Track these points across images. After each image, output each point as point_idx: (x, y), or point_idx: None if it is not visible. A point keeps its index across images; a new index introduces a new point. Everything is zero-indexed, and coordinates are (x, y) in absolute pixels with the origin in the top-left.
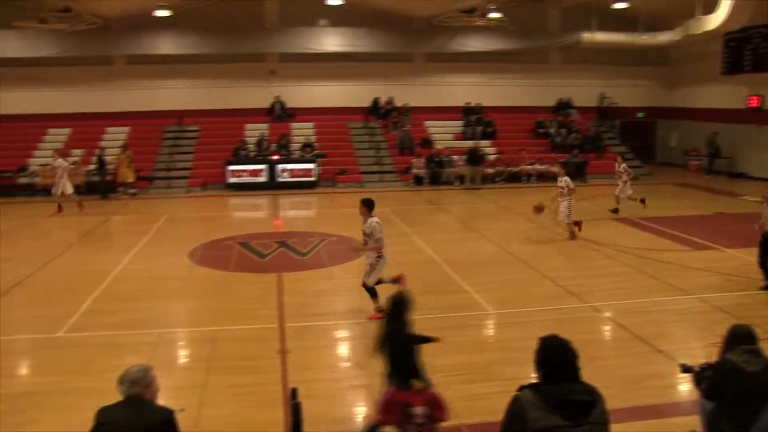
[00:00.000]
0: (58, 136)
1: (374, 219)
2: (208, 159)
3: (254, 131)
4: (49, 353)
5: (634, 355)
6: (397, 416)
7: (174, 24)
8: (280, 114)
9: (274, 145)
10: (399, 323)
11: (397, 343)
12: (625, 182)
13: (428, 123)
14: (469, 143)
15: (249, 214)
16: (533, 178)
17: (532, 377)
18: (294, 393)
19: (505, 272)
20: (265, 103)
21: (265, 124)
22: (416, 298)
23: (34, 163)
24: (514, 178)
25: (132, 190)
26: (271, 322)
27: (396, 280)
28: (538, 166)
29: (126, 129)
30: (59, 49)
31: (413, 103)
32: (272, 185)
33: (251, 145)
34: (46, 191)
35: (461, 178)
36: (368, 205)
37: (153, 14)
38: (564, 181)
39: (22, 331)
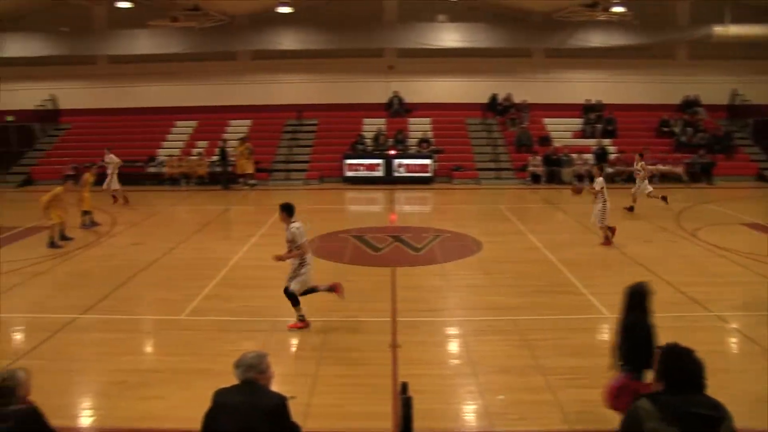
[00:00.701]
0: (184, 128)
1: (294, 225)
2: (325, 152)
3: (372, 126)
4: (172, 334)
5: (765, 371)
6: (626, 403)
7: (295, 20)
8: (397, 109)
9: (391, 139)
10: (641, 313)
11: (640, 333)
12: (643, 180)
13: (547, 120)
14: (592, 141)
15: (364, 208)
16: (655, 179)
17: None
18: (404, 387)
19: (622, 275)
20: (383, 98)
21: (383, 119)
22: (530, 299)
23: (163, 153)
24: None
25: (251, 182)
26: (383, 315)
27: (332, 289)
28: (660, 167)
29: (248, 122)
30: (187, 46)
31: (531, 100)
32: (388, 180)
33: (368, 140)
34: (172, 181)
35: (579, 177)
36: (287, 211)
37: (275, 11)
38: (598, 182)
39: (148, 311)
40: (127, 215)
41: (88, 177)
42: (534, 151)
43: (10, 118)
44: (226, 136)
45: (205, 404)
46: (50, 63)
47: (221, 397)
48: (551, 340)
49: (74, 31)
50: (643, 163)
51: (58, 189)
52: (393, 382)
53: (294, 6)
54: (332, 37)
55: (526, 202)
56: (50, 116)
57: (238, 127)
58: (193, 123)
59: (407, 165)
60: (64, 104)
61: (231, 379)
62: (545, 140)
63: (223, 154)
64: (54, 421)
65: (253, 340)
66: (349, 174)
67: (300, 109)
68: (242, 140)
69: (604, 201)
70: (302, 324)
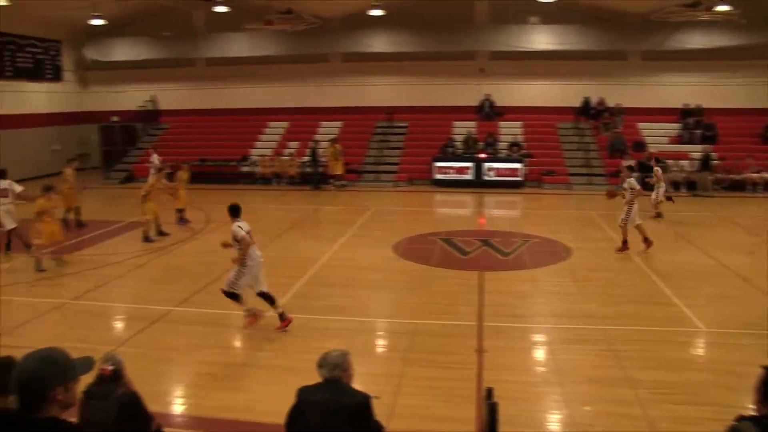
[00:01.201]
0: (277, 129)
1: (236, 224)
2: (415, 155)
3: (462, 129)
4: (260, 330)
5: None
6: None
7: (387, 22)
8: (488, 112)
9: (481, 143)
10: None
11: None
12: (658, 186)
13: (641, 125)
14: (690, 147)
15: (453, 211)
16: (759, 188)
17: (750, 408)
18: (490, 392)
19: (719, 287)
20: (473, 101)
21: (473, 122)
22: (620, 308)
23: (255, 153)
24: (737, 186)
25: (340, 182)
26: (469, 319)
27: (251, 314)
28: (765, 174)
29: (339, 123)
30: (281, 48)
31: (626, 104)
32: (478, 183)
33: (458, 143)
34: (264, 180)
35: (676, 185)
36: (231, 212)
37: (367, 13)
38: (628, 182)
39: (237, 307)
40: (220, 213)
41: (182, 174)
42: (628, 157)
43: (115, 118)
44: (317, 137)
45: (290, 400)
46: (152, 66)
47: (305, 394)
48: (641, 352)
49: (175, 35)
50: (657, 169)
51: (152, 179)
52: (478, 387)
53: (386, 8)
54: (423, 39)
55: (619, 209)
56: (151, 116)
57: (329, 128)
58: (285, 124)
59: (497, 169)
60: (164, 105)
61: (317, 377)
62: (639, 145)
63: (314, 155)
64: (149, 407)
65: (340, 338)
66: (439, 177)
67: (390, 111)
68: (332, 141)
69: (632, 203)
70: (254, 319)
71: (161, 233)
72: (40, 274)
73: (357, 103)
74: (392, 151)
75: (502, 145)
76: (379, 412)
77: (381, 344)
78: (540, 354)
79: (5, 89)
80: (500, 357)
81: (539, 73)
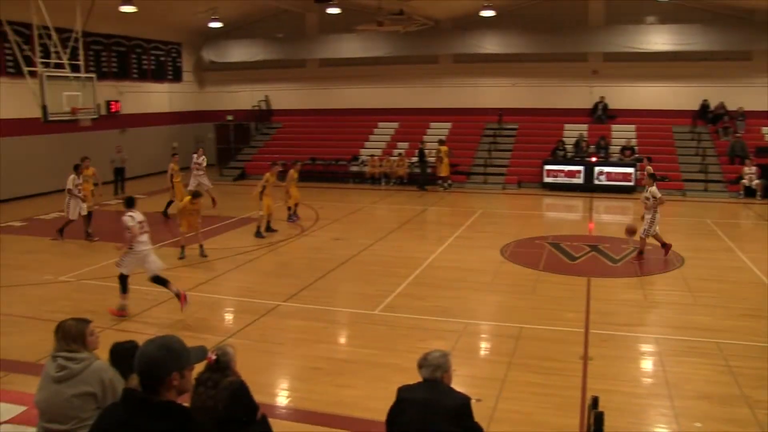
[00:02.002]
0: (386, 129)
1: (128, 214)
2: (524, 157)
3: (573, 131)
4: (366, 328)
5: None
6: None
7: (498, 23)
8: (600, 115)
9: (592, 146)
10: None
11: None
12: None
13: (766, 129)
14: None
15: (562, 215)
16: None
17: None
18: (596, 401)
19: None
20: (585, 103)
21: (585, 125)
22: (737, 322)
23: (365, 153)
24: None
25: (447, 183)
26: (576, 326)
27: (178, 295)
28: None
29: (448, 125)
30: (392, 49)
31: (748, 107)
32: (588, 187)
33: (569, 146)
34: (373, 180)
35: None
36: (126, 203)
37: (479, 15)
38: (650, 191)
39: (344, 304)
40: (329, 211)
41: (293, 173)
42: (750, 163)
43: (229, 117)
44: (425, 138)
45: (392, 398)
46: (266, 67)
47: (406, 393)
48: (760, 370)
49: (289, 37)
50: (650, 168)
51: (266, 175)
52: (582, 395)
53: (497, 9)
54: (535, 40)
55: (737, 217)
56: (264, 116)
57: (438, 129)
58: (395, 124)
59: (608, 173)
60: (276, 105)
61: (419, 376)
62: (763, 151)
63: (421, 156)
64: (256, 397)
65: (444, 339)
66: (548, 180)
67: (501, 113)
68: (440, 142)
69: (654, 211)
70: (120, 313)
71: (270, 229)
72: (173, 264)
73: (467, 104)
74: (501, 153)
75: (614, 148)
76: (480, 415)
77: (485, 347)
78: (648, 365)
79: (130, 90)
80: (606, 366)
81: (655, 75)
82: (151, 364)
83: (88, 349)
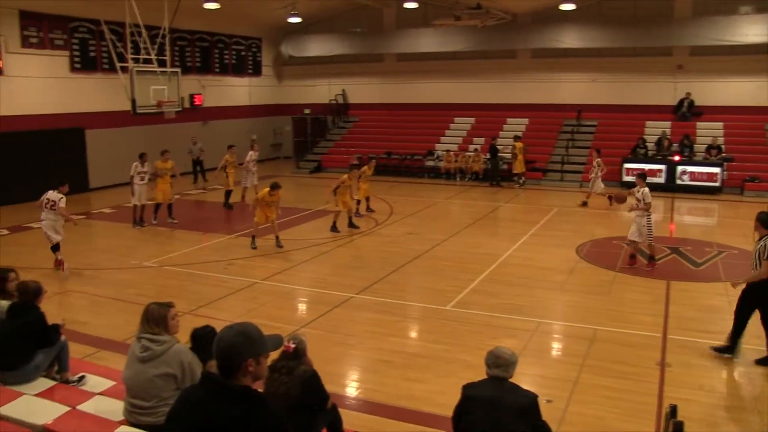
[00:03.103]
0: (462, 124)
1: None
2: (603, 155)
3: (655, 129)
4: (437, 323)
5: None
6: None
7: (578, 17)
8: (685, 112)
9: (675, 144)
10: None
11: None
12: (597, 177)
13: None
14: None
15: None
16: None
17: None
18: (674, 410)
19: None
20: (669, 100)
21: (668, 122)
22: None
23: (440, 148)
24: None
25: (522, 180)
26: (653, 330)
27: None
28: None
29: (525, 121)
30: (469, 44)
31: None
32: (669, 187)
33: (650, 144)
34: (448, 175)
35: None
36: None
37: (559, 8)
38: (641, 193)
39: (416, 298)
40: (403, 205)
41: (366, 170)
42: None
43: (307, 111)
44: (503, 134)
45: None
46: (343, 61)
47: (471, 391)
48: None
49: (366, 31)
50: (599, 160)
51: (344, 177)
52: (659, 403)
53: (577, 3)
54: (616, 34)
55: None
56: (341, 109)
57: (515, 125)
58: (471, 120)
59: (692, 173)
60: (353, 99)
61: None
62: None
63: (494, 151)
64: (327, 387)
65: (515, 338)
66: (628, 179)
67: (579, 109)
68: (516, 138)
69: (646, 215)
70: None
71: (352, 225)
72: (237, 253)
73: (544, 100)
74: (579, 150)
75: (699, 147)
76: (550, 416)
77: (557, 347)
78: (732, 375)
79: (213, 83)
80: (685, 374)
81: (747, 69)
82: (229, 350)
83: (169, 333)
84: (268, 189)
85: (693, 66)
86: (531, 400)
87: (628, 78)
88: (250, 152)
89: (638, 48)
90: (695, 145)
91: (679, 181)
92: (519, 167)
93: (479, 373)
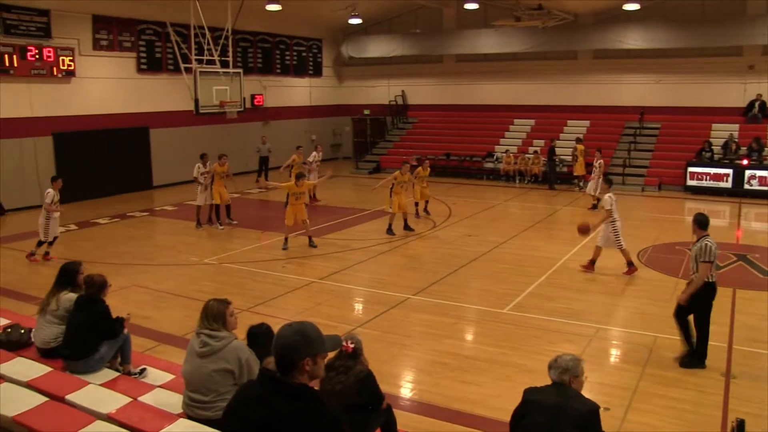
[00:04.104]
0: (522, 126)
1: None
2: (667, 158)
3: (722, 132)
4: (493, 326)
5: None
6: None
7: (642, 17)
8: (756, 114)
9: (743, 148)
10: None
11: None
12: (598, 178)
13: None
14: None
15: None
16: None
17: None
18: (741, 425)
19: None
20: (738, 102)
21: (735, 125)
22: None
23: (499, 150)
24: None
25: (582, 183)
26: (718, 340)
27: None
28: None
29: (585, 123)
30: (529, 45)
31: None
32: (737, 192)
33: (717, 147)
34: (507, 177)
35: None
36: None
37: (621, 8)
38: (606, 201)
39: (473, 301)
40: (461, 207)
41: (420, 171)
42: None
43: (366, 112)
44: (562, 135)
45: (518, 398)
46: (402, 62)
47: (532, 395)
48: None
49: (426, 32)
50: (602, 161)
51: (396, 173)
52: (723, 416)
53: (641, 2)
54: (682, 34)
55: None
56: (400, 110)
57: (576, 127)
58: (531, 121)
59: (761, 177)
60: (412, 100)
61: (547, 378)
62: None
63: (552, 154)
64: (382, 387)
65: (573, 343)
66: (692, 183)
67: (642, 111)
68: (578, 141)
69: (614, 220)
70: None
71: (407, 228)
72: (295, 252)
73: (606, 102)
74: (642, 153)
75: None
76: (608, 424)
77: (616, 354)
78: None
79: (274, 84)
80: (752, 387)
81: None
82: (287, 348)
83: (227, 329)
84: (293, 181)
85: (765, 66)
86: (592, 409)
87: (694, 79)
88: (314, 153)
89: (706, 48)
90: (766, 149)
91: (747, 186)
92: (579, 170)
93: (536, 378)
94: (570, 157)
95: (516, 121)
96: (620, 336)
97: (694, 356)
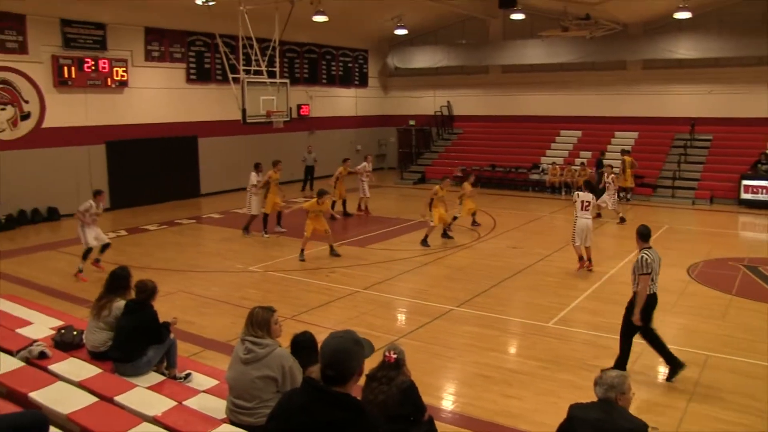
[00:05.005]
0: (568, 137)
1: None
2: (719, 171)
3: None
4: (538, 339)
5: None
6: None
7: (694, 26)
8: None
9: None
10: None
11: None
12: (612, 194)
13: None
14: None
15: (761, 236)
16: None
17: None
18: None
19: None
20: None
21: None
22: None
23: (545, 161)
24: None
25: (630, 196)
26: None
27: None
28: None
29: (634, 134)
30: (577, 55)
31: None
32: None
33: None
34: (553, 189)
35: None
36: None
37: (672, 17)
38: (576, 194)
39: (517, 314)
40: (506, 219)
41: (466, 185)
42: None
43: (411, 122)
44: (609, 147)
45: (561, 414)
46: (448, 73)
47: (578, 412)
48: None
49: (471, 43)
50: (613, 176)
51: (436, 188)
52: None
53: (694, 11)
54: (737, 43)
55: None
56: (445, 121)
57: (623, 138)
58: (578, 133)
59: None
60: (458, 110)
61: (591, 394)
62: None
63: (600, 165)
64: (424, 398)
65: None
66: (746, 196)
67: (693, 122)
68: (625, 153)
69: (577, 218)
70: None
71: (446, 236)
72: (340, 261)
73: (655, 113)
74: (692, 165)
75: None
76: None
77: (664, 372)
78: None
79: (319, 94)
80: None
81: None
82: (346, 358)
83: (271, 336)
84: (315, 198)
85: None
86: (639, 428)
87: (749, 89)
88: (364, 163)
89: (763, 57)
90: None
91: None
92: (626, 182)
93: (579, 394)
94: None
95: (562, 132)
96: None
97: (670, 365)
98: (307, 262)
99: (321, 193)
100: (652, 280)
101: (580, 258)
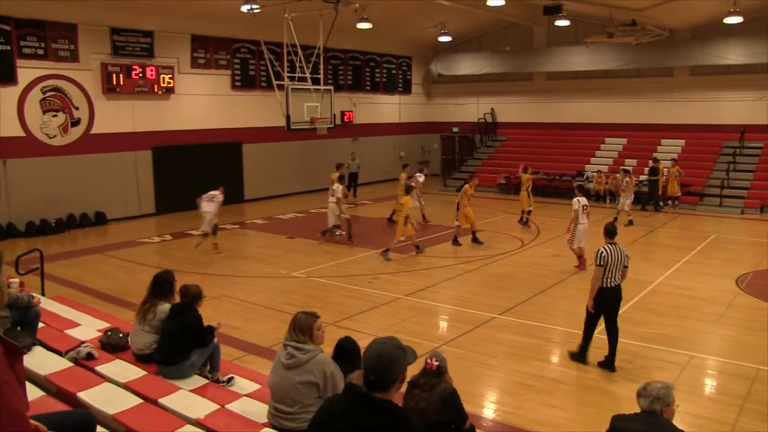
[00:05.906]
0: (614, 145)
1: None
2: None
3: None
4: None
5: None
6: None
7: (744, 31)
8: None
9: None
10: None
11: None
12: (629, 197)
13: None
14: None
15: None
16: None
17: None
18: None
19: None
20: None
21: None
22: None
23: (590, 169)
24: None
25: (675, 204)
26: None
27: None
28: None
29: (680, 142)
30: (622, 62)
31: None
32: None
33: None
34: (598, 197)
35: None
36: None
37: (721, 22)
38: (575, 201)
39: (560, 322)
40: (550, 226)
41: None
42: None
43: (455, 129)
44: (655, 155)
45: (603, 424)
46: (491, 80)
47: (620, 423)
48: None
49: (516, 50)
50: (628, 179)
51: (465, 186)
52: None
53: (745, 15)
54: None
55: None
56: (489, 128)
57: (670, 146)
58: (623, 140)
59: None
60: (502, 117)
61: (634, 405)
62: None
63: (654, 172)
64: (465, 406)
65: (665, 371)
66: None
67: (743, 130)
68: (672, 161)
69: (578, 223)
70: None
71: (476, 241)
72: (382, 267)
73: (703, 120)
74: (742, 174)
75: None
76: None
77: (712, 385)
78: None
79: (363, 101)
80: None
81: None
82: (389, 362)
83: (314, 342)
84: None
85: None
86: None
87: None
88: (418, 173)
89: None
90: None
91: None
92: (675, 190)
93: (623, 405)
94: (665, 178)
95: (607, 139)
96: (716, 366)
97: (583, 349)
98: (351, 267)
99: (408, 189)
100: (611, 273)
101: (580, 257)
